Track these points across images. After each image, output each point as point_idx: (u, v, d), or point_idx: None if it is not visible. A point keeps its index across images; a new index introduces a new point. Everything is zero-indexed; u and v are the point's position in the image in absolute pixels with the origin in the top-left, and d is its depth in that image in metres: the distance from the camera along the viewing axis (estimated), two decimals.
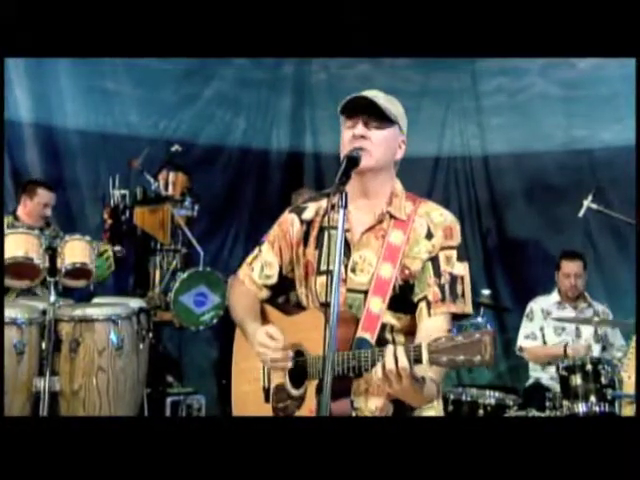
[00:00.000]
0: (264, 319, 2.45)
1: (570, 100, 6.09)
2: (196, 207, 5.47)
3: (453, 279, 2.22)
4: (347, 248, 2.26)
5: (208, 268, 5.14)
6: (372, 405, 2.22)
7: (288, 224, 2.43)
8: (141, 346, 4.33)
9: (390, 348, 1.96)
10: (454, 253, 2.24)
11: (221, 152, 6.51)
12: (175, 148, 5.44)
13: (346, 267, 2.25)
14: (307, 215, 2.41)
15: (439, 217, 2.28)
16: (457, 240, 2.26)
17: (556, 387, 4.50)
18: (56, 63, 5.61)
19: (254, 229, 6.37)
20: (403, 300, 2.22)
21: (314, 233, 2.37)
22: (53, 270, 4.03)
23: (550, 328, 5.02)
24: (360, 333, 2.18)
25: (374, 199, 2.30)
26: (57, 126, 5.72)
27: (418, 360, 1.93)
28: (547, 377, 4.91)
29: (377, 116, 2.23)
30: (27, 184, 4.89)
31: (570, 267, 5.06)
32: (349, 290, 2.25)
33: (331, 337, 1.99)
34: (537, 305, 5.15)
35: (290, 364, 2.20)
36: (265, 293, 2.49)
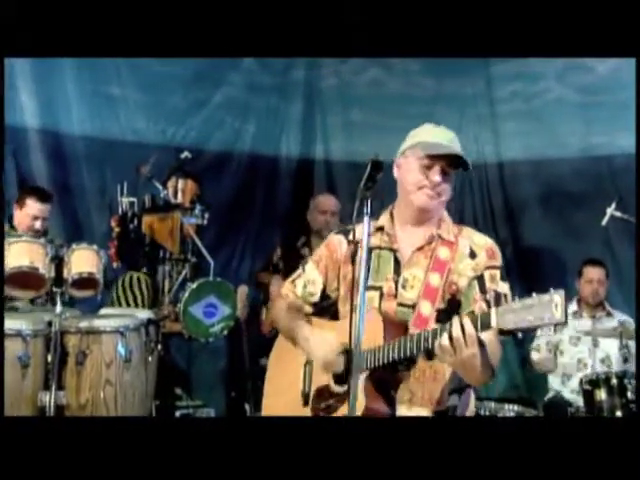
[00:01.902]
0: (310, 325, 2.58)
1: (588, 105, 5.97)
2: (206, 215, 5.34)
3: (497, 296, 2.33)
4: (397, 266, 2.45)
5: (218, 278, 5.03)
6: (414, 414, 2.31)
7: (336, 245, 2.59)
8: (150, 358, 4.25)
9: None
10: (498, 272, 2.39)
11: (230, 159, 6.41)
12: (185, 155, 5.33)
13: (396, 283, 2.42)
14: (354, 236, 2.52)
15: (480, 239, 2.46)
16: (499, 261, 2.42)
17: (579, 401, 4.36)
18: (62, 68, 5.53)
19: (264, 237, 6.32)
20: (450, 313, 2.31)
21: (361, 252, 2.46)
22: (59, 280, 3.92)
23: (565, 338, 4.88)
24: (411, 331, 2.30)
25: (424, 226, 2.47)
26: (63, 132, 5.62)
27: (486, 325, 2.01)
28: (568, 390, 4.76)
29: (455, 164, 2.38)
30: (20, 192, 4.73)
31: (593, 273, 5.00)
32: (399, 304, 2.40)
33: (359, 331, 2.08)
34: None
35: (342, 367, 2.33)
36: (307, 309, 2.65)
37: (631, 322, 4.82)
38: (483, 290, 2.34)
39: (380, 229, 2.47)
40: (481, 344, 2.06)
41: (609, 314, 4.97)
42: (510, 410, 4.36)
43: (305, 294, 2.62)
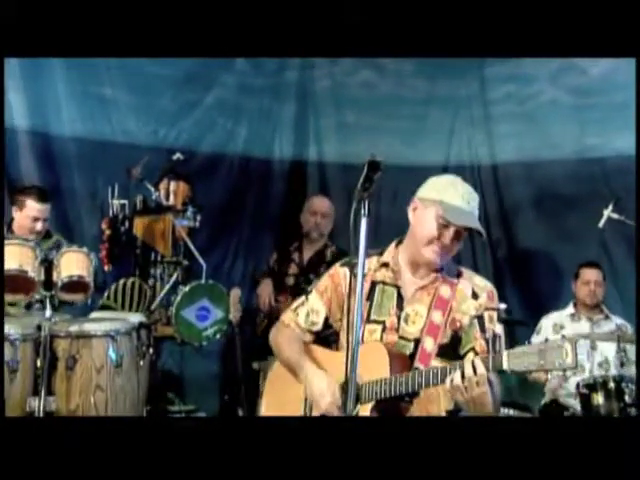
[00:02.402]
0: (311, 356, 2.61)
1: (582, 107, 5.95)
2: (198, 217, 5.29)
3: (495, 337, 2.34)
4: (400, 301, 2.54)
5: (211, 281, 4.97)
6: None
7: (340, 277, 2.63)
8: (141, 363, 4.17)
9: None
10: (495, 314, 2.53)
11: (222, 160, 6.36)
12: (177, 156, 5.27)
13: (399, 318, 2.52)
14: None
15: (481, 282, 2.58)
16: (497, 304, 2.56)
17: (576, 406, 4.32)
18: (52, 69, 5.46)
19: (256, 240, 6.29)
20: (452, 349, 2.48)
21: (366, 286, 2.54)
22: (49, 283, 3.86)
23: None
24: (416, 364, 2.42)
25: (427, 267, 2.55)
26: (53, 133, 5.56)
27: (498, 367, 2.14)
28: (565, 394, 4.71)
29: (470, 229, 2.44)
30: (16, 193, 4.62)
31: (590, 274, 4.97)
32: (400, 337, 2.50)
33: (354, 353, 2.14)
34: (548, 320, 5.01)
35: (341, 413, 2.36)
36: (308, 337, 2.69)
37: (628, 326, 4.79)
38: (483, 329, 2.48)
39: (385, 265, 2.56)
40: (490, 383, 2.18)
41: (607, 317, 4.94)
42: (505, 415, 4.32)
43: (308, 323, 2.67)
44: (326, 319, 2.65)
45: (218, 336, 4.96)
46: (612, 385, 4.03)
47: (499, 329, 2.51)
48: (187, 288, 4.84)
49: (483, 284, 2.57)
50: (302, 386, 2.52)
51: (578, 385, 4.17)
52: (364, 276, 2.39)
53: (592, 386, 4.07)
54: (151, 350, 4.36)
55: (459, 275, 2.57)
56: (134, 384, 4.10)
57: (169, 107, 6.12)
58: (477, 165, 6.37)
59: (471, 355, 2.41)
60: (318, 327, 2.67)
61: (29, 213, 4.51)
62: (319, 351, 2.65)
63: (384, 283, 2.55)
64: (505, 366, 2.12)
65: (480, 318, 2.50)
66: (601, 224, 4.76)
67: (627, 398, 3.96)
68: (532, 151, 6.14)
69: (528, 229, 6.15)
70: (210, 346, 5.20)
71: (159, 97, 6.05)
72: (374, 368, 2.32)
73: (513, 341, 5.74)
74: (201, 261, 5.06)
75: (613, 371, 4.52)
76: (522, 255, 6.16)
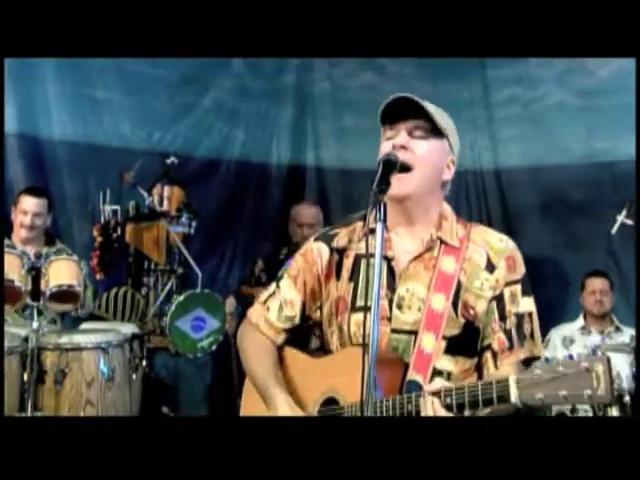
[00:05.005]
0: (286, 364, 2.12)
1: (589, 110, 5.79)
2: (193, 224, 5.19)
3: (519, 319, 1.95)
4: (392, 279, 1.97)
5: (206, 290, 4.86)
6: None
7: (314, 254, 2.12)
8: (134, 376, 4.06)
9: (428, 400, 1.73)
10: (519, 288, 1.97)
11: (219, 165, 6.26)
12: (171, 160, 5.21)
13: (390, 302, 1.96)
14: (338, 243, 2.10)
15: (499, 243, 2.00)
16: (521, 271, 2.00)
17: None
18: (42, 69, 5.35)
19: (253, 247, 6.15)
20: (467, 343, 1.95)
21: (348, 263, 2.06)
22: (36, 293, 3.73)
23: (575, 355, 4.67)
24: (411, 375, 1.88)
25: (420, 224, 2.01)
26: (43, 137, 5.46)
27: (504, 398, 1.65)
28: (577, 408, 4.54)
29: (423, 124, 1.96)
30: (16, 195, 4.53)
31: (595, 284, 4.88)
32: (394, 331, 1.95)
33: (370, 381, 1.65)
34: (557, 333, 4.86)
35: None
36: (283, 337, 2.16)
37: None
38: (502, 316, 1.93)
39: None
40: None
41: (618, 329, 4.84)
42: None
43: (281, 319, 2.13)
44: (303, 310, 2.11)
45: (214, 347, 4.84)
46: (627, 399, 3.88)
47: (526, 305, 1.95)
48: (182, 297, 4.73)
49: (502, 246, 1.99)
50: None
51: None
52: (344, 251, 2.06)
53: None
54: (144, 362, 4.26)
55: (466, 236, 2.00)
56: (126, 398, 3.99)
57: (164, 110, 6.02)
58: (480, 170, 6.22)
59: (489, 354, 1.93)
60: (295, 322, 2.12)
61: (20, 207, 4.39)
62: (294, 359, 2.13)
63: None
64: (514, 398, 1.62)
65: (499, 300, 1.93)
66: (614, 230, 4.62)
67: None
68: (537, 155, 5.99)
69: (533, 236, 5.97)
70: (205, 357, 5.10)
71: (154, 99, 5.95)
72: (352, 383, 1.76)
73: None
74: (196, 269, 4.97)
75: (626, 384, 4.35)
76: (527, 263, 5.98)
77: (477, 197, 6.24)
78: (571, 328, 4.86)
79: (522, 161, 6.06)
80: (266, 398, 2.02)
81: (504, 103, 6.13)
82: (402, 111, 1.95)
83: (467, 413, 1.72)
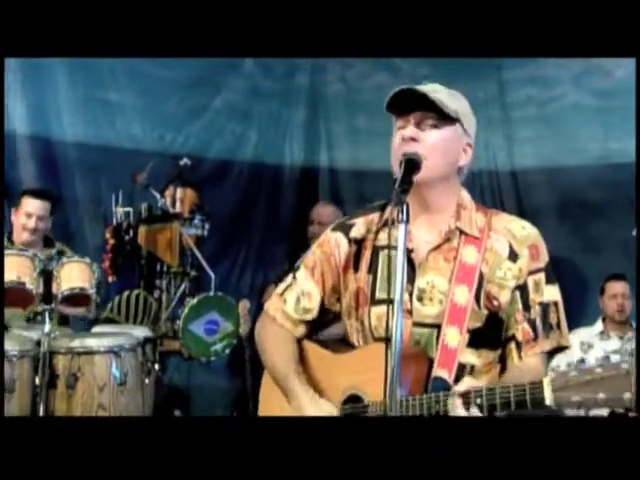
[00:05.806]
0: (306, 360, 2.07)
1: (606, 110, 5.72)
2: (206, 226, 5.20)
3: (544, 309, 1.92)
4: (411, 272, 1.91)
5: (220, 293, 4.85)
6: None
7: (332, 245, 2.07)
8: (146, 381, 4.01)
9: (457, 400, 1.69)
10: (543, 276, 1.93)
11: (231, 167, 6.23)
12: (184, 162, 5.21)
13: (410, 295, 1.90)
14: (357, 233, 2.05)
15: (522, 231, 1.95)
16: (545, 259, 1.96)
17: None
18: (54, 71, 5.35)
19: (266, 249, 6.16)
20: (490, 335, 1.91)
21: (367, 254, 2.01)
22: (48, 296, 3.67)
23: (592, 361, 4.60)
24: (436, 371, 1.84)
25: (437, 214, 1.96)
26: (55, 139, 5.44)
27: (538, 401, 1.60)
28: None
29: (432, 113, 1.90)
30: (16, 197, 4.46)
31: (616, 287, 4.77)
32: (415, 324, 1.89)
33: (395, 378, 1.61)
34: (575, 338, 4.76)
35: None
36: (301, 330, 2.11)
37: None
38: (527, 306, 1.89)
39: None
40: None
41: None
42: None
43: (299, 311, 2.09)
44: (322, 302, 2.07)
45: (227, 351, 4.84)
46: None
47: (551, 293, 1.92)
48: (195, 300, 4.72)
49: (524, 233, 1.94)
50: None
51: (612, 410, 3.94)
52: (362, 242, 2.01)
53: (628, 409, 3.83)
54: (157, 366, 4.22)
55: (487, 224, 1.95)
56: (139, 403, 3.94)
57: (176, 111, 6.00)
58: (495, 171, 6.17)
59: (513, 345, 1.90)
60: (313, 315, 2.07)
61: (23, 209, 4.33)
62: (315, 355, 2.08)
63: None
64: (549, 398, 1.57)
65: (523, 289, 1.89)
66: (634, 232, 4.54)
67: None
68: (554, 156, 5.93)
69: (550, 238, 5.87)
70: (218, 360, 5.08)
71: (166, 101, 5.93)
72: (377, 380, 1.70)
73: None
74: (209, 272, 4.96)
75: None
76: None
77: (492, 198, 6.16)
78: (589, 333, 4.78)
79: (538, 162, 6.00)
80: (286, 391, 1.98)
81: (520, 103, 6.08)
82: (408, 103, 1.91)
83: (498, 414, 1.68)
